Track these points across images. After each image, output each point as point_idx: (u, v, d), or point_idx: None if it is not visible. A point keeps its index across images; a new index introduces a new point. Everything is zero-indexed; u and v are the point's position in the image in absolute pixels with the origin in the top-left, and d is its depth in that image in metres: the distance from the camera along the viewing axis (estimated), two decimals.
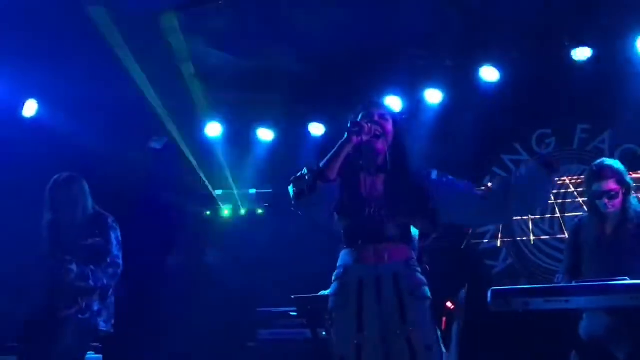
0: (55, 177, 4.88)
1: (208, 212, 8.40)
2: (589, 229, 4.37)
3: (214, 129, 7.79)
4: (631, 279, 3.87)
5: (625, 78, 6.44)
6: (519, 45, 6.32)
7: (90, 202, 4.85)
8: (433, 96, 7.09)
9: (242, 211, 8.36)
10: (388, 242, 3.28)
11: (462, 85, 7.02)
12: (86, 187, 4.86)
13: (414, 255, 3.35)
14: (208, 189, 8.25)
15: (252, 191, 8.27)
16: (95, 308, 4.69)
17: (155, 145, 7.66)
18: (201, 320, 7.28)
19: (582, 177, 6.36)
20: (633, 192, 4.38)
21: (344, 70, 6.90)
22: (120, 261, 4.77)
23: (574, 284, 3.94)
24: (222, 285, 7.58)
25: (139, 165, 7.32)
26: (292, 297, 5.11)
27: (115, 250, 4.75)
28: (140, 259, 5.26)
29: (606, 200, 4.26)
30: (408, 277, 3.25)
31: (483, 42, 6.62)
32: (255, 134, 7.86)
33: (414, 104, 7.25)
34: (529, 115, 6.95)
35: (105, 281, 4.66)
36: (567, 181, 6.74)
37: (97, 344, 5.03)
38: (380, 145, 3.41)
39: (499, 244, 7.09)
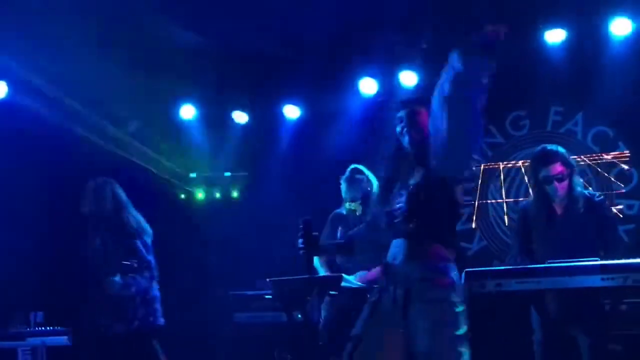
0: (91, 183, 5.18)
1: (182, 195, 8.35)
2: (537, 212, 4.44)
3: (188, 112, 7.74)
4: (602, 260, 3.93)
5: (599, 60, 6.49)
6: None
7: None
8: (408, 78, 7.09)
9: (217, 194, 8.32)
10: None
11: (437, 68, 6.99)
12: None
13: None
14: (182, 171, 8.20)
15: (227, 174, 8.23)
16: (140, 315, 5.01)
17: (129, 128, 7.58)
18: (176, 304, 7.25)
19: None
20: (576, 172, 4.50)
21: (319, 52, 6.87)
22: (153, 262, 5.10)
23: (547, 264, 3.98)
24: (196, 268, 7.56)
25: (112, 148, 7.25)
26: (268, 280, 5.10)
27: (145, 254, 5.07)
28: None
29: (556, 184, 4.37)
30: None
31: (458, 24, 6.61)
32: (230, 117, 7.81)
33: (390, 86, 7.26)
34: (503, 97, 6.95)
35: (143, 284, 4.97)
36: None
37: None
38: None
39: (473, 226, 7.13)
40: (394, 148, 3.46)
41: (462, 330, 3.08)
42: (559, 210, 4.42)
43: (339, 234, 5.41)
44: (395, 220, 3.28)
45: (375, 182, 5.36)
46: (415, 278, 3.15)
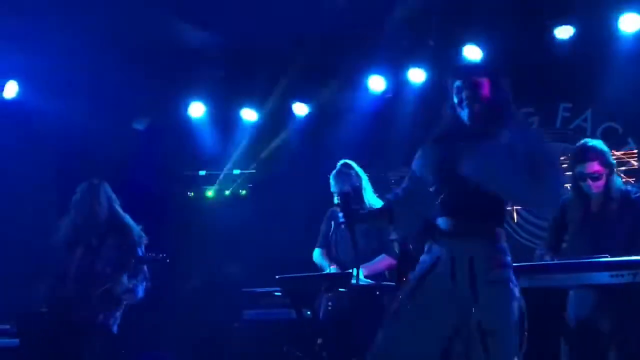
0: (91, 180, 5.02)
1: (191, 194, 8.37)
2: (574, 208, 4.40)
3: (197, 110, 7.76)
4: (612, 257, 3.92)
5: (607, 56, 6.46)
6: (501, 24, 6.31)
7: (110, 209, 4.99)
8: (416, 75, 7.09)
9: (226, 192, 8.34)
10: None
11: (445, 64, 7.01)
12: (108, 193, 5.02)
13: None
14: (192, 170, 8.23)
15: (236, 172, 8.25)
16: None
17: (138, 126, 7.61)
18: (186, 302, 7.30)
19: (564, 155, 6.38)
20: (616, 171, 4.41)
21: (328, 49, 6.89)
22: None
23: (555, 261, 3.98)
24: (206, 266, 7.58)
25: (122, 146, 7.28)
26: (277, 277, 5.12)
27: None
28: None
29: (590, 182, 4.29)
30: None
31: (466, 21, 6.61)
32: (239, 114, 7.83)
33: (398, 83, 7.26)
34: (511, 94, 6.95)
35: (141, 295, 4.93)
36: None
37: None
38: None
39: None
40: (448, 120, 3.23)
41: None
42: (594, 208, 4.36)
43: (331, 231, 5.42)
44: (455, 190, 3.10)
45: (365, 177, 5.37)
46: (481, 256, 3.06)
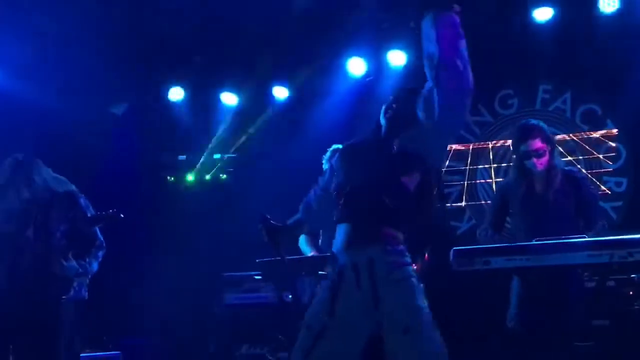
0: (15, 157, 4.61)
1: (172, 178, 8.33)
2: (517, 188, 4.48)
3: (176, 93, 7.70)
4: (589, 237, 3.95)
5: (587, 38, 6.48)
6: (481, 6, 6.30)
7: (54, 181, 4.65)
8: (397, 58, 7.07)
9: (207, 176, 8.31)
10: None
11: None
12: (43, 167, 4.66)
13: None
14: (171, 154, 8.18)
15: (217, 156, 8.21)
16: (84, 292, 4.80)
17: (116, 111, 7.55)
18: (167, 286, 7.27)
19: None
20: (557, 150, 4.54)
21: (308, 31, 6.85)
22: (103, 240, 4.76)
23: (534, 242, 3.99)
24: (187, 250, 7.56)
25: (100, 131, 7.22)
26: (257, 261, 5.11)
27: (99, 232, 4.73)
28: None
29: (535, 160, 4.38)
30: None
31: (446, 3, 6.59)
32: (218, 98, 7.78)
33: (378, 66, 7.25)
34: (491, 76, 6.95)
35: (95, 267, 4.69)
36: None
37: None
38: None
39: (463, 205, 7.15)
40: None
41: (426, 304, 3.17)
42: (538, 187, 4.44)
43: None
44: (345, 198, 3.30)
45: None
46: (380, 260, 3.17)
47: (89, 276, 4.77)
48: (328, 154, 5.41)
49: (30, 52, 6.39)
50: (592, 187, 5.41)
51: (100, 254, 4.74)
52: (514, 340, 4.28)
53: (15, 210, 4.49)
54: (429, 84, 3.14)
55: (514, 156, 4.58)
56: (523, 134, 4.43)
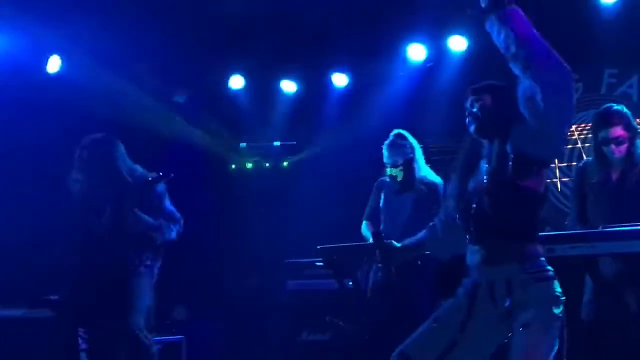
0: (92, 137, 4.75)
1: (233, 166, 8.42)
2: (594, 174, 4.34)
3: (237, 82, 7.77)
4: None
5: None
6: None
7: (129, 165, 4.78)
8: (458, 43, 6.99)
9: (266, 164, 8.37)
10: None
11: (487, 31, 6.89)
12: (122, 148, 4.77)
13: None
14: (232, 142, 8.27)
15: (276, 144, 8.27)
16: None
17: (178, 99, 7.66)
18: (229, 273, 7.37)
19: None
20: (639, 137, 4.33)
21: (367, 19, 6.82)
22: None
23: (600, 229, 3.92)
24: (248, 237, 7.64)
25: (163, 118, 7.34)
26: (318, 247, 5.14)
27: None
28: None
29: (613, 147, 4.22)
30: None
31: None
32: (278, 86, 7.82)
33: (439, 51, 7.18)
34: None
35: (173, 235, 4.74)
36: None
37: None
38: None
39: None
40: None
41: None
42: (614, 175, 4.30)
43: (381, 201, 5.42)
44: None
45: (418, 149, 5.33)
46: (517, 278, 3.04)
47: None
48: (389, 139, 5.39)
49: (98, 44, 6.51)
50: None
51: (177, 227, 4.78)
52: (585, 331, 4.20)
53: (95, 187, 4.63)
54: (524, 83, 2.99)
55: (592, 141, 4.44)
56: (604, 120, 4.26)
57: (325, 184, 7.35)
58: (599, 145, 4.30)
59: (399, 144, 5.31)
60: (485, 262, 3.10)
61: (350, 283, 5.23)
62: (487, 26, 3.07)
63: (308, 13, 6.76)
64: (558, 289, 3.05)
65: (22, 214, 6.27)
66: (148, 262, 4.69)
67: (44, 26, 6.20)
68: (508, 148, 3.06)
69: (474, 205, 3.13)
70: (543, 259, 3.10)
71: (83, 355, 5.14)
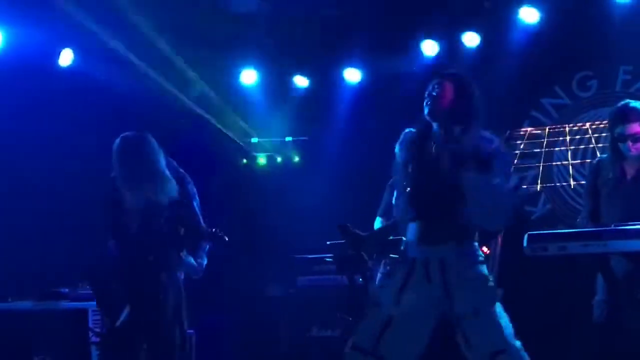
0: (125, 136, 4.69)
1: (244, 161, 8.42)
2: (608, 171, 4.30)
3: (249, 77, 7.76)
4: None
5: None
6: None
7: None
8: (471, 39, 6.96)
9: (278, 159, 8.36)
10: None
11: (500, 28, 6.87)
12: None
13: None
14: (244, 137, 8.26)
15: (288, 139, 8.25)
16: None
17: (191, 93, 7.65)
18: (239, 268, 7.37)
19: None
20: None
21: (380, 14, 6.79)
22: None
23: (612, 227, 3.88)
24: (258, 233, 7.63)
25: (174, 113, 7.34)
26: (328, 243, 5.12)
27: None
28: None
29: (630, 144, 4.20)
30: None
31: None
32: (291, 81, 7.81)
33: (452, 47, 7.14)
34: (569, 57, 6.79)
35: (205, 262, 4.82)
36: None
37: None
38: None
39: (538, 189, 7.00)
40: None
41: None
42: (629, 172, 4.27)
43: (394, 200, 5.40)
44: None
45: None
46: (452, 258, 3.27)
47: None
48: (401, 137, 5.36)
49: (110, 38, 6.53)
50: None
51: (207, 246, 4.83)
52: (597, 331, 4.17)
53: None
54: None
55: (608, 138, 4.40)
56: (620, 117, 4.23)
57: (337, 180, 7.33)
58: (615, 141, 4.27)
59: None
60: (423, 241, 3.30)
61: (360, 279, 5.21)
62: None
63: (321, 8, 6.75)
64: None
65: (26, 202, 6.29)
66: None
67: (56, 19, 6.21)
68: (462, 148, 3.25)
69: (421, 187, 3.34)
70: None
71: (93, 348, 5.18)
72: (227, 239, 4.62)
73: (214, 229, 4.63)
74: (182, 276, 4.73)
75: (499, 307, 3.23)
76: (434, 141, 3.38)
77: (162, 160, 4.64)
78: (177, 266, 4.66)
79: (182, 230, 4.60)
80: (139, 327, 4.49)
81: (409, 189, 3.41)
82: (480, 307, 3.16)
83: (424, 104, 3.38)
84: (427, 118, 3.38)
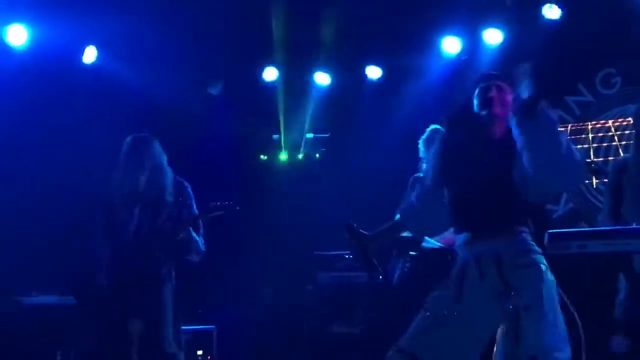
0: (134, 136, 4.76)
1: (265, 157, 8.45)
2: (635, 169, 4.25)
3: (270, 74, 7.78)
4: None
5: None
6: None
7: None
8: (493, 36, 6.93)
9: (300, 156, 8.38)
10: None
11: (523, 25, 6.83)
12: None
13: None
14: (265, 133, 8.29)
15: (309, 135, 8.27)
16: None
17: (212, 91, 7.69)
18: (260, 264, 7.39)
19: None
20: None
21: (402, 11, 6.78)
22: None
23: (634, 225, 3.85)
24: (279, 229, 7.66)
25: (197, 110, 7.37)
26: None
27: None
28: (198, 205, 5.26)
29: None
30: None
31: None
32: (312, 78, 7.82)
33: (473, 44, 7.12)
34: (592, 54, 6.74)
35: (203, 249, 4.76)
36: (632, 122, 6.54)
37: None
38: None
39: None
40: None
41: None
42: None
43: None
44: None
45: None
46: (505, 251, 3.17)
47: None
48: (426, 134, 5.35)
49: (134, 35, 6.57)
50: None
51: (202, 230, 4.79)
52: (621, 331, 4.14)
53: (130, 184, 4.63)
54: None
55: (635, 135, 4.35)
56: None
57: (358, 176, 7.33)
58: None
59: (435, 140, 5.26)
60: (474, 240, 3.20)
61: (380, 276, 5.21)
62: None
63: (343, 5, 6.75)
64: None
65: (50, 199, 6.34)
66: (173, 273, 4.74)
67: (80, 17, 6.26)
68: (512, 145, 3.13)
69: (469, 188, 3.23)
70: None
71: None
72: (237, 208, 4.65)
73: (218, 202, 4.65)
74: (197, 259, 4.75)
75: (553, 304, 3.09)
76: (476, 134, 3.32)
77: (166, 162, 4.74)
78: (174, 263, 4.72)
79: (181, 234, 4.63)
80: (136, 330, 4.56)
81: (449, 187, 3.35)
82: (531, 303, 3.03)
83: (480, 106, 3.30)
84: (486, 119, 3.30)
